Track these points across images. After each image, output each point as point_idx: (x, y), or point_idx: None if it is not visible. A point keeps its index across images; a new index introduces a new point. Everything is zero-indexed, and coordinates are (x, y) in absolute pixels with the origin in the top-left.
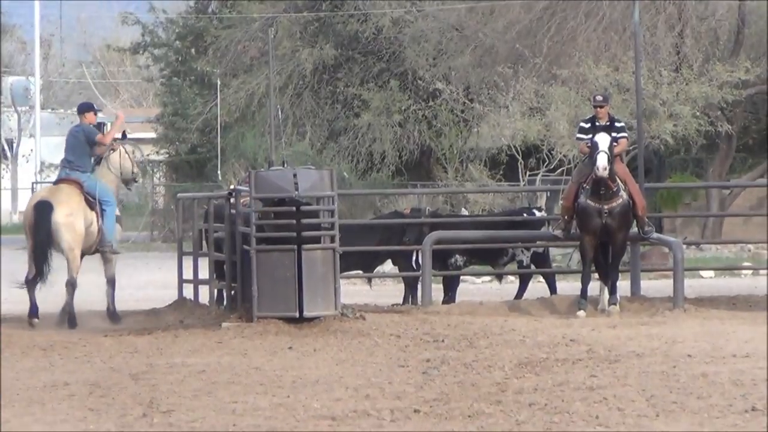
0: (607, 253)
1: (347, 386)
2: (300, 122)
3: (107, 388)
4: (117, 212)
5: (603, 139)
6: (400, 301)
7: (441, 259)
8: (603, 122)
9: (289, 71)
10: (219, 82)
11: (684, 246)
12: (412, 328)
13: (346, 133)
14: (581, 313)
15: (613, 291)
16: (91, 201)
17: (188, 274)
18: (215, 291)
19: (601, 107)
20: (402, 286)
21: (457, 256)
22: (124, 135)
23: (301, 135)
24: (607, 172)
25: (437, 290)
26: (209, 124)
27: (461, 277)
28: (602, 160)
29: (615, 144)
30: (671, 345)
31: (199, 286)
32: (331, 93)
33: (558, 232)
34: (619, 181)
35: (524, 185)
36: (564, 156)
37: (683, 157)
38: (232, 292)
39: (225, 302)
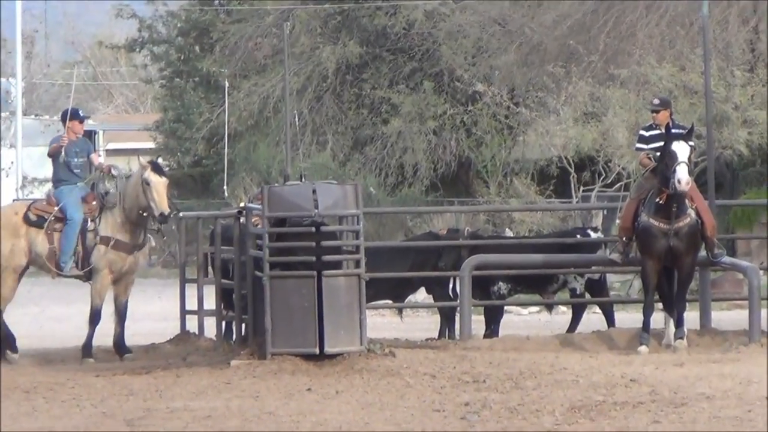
0: (673, 280)
1: None
2: (320, 130)
3: None
4: (149, 239)
5: (682, 149)
6: (435, 335)
7: (482, 287)
8: (663, 128)
9: (307, 72)
10: (227, 84)
11: (761, 272)
12: (449, 366)
13: (373, 143)
14: (643, 348)
15: (679, 323)
16: (37, 220)
17: (192, 304)
18: (223, 323)
19: (657, 111)
20: (437, 317)
21: (501, 283)
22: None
23: (322, 145)
24: (689, 186)
25: (478, 322)
26: (216, 133)
27: (505, 308)
28: (683, 172)
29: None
30: (746, 386)
31: (205, 318)
32: (355, 96)
33: (615, 256)
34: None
35: (577, 202)
36: (623, 169)
37: (759, 169)
38: (243, 324)
39: (234, 336)
